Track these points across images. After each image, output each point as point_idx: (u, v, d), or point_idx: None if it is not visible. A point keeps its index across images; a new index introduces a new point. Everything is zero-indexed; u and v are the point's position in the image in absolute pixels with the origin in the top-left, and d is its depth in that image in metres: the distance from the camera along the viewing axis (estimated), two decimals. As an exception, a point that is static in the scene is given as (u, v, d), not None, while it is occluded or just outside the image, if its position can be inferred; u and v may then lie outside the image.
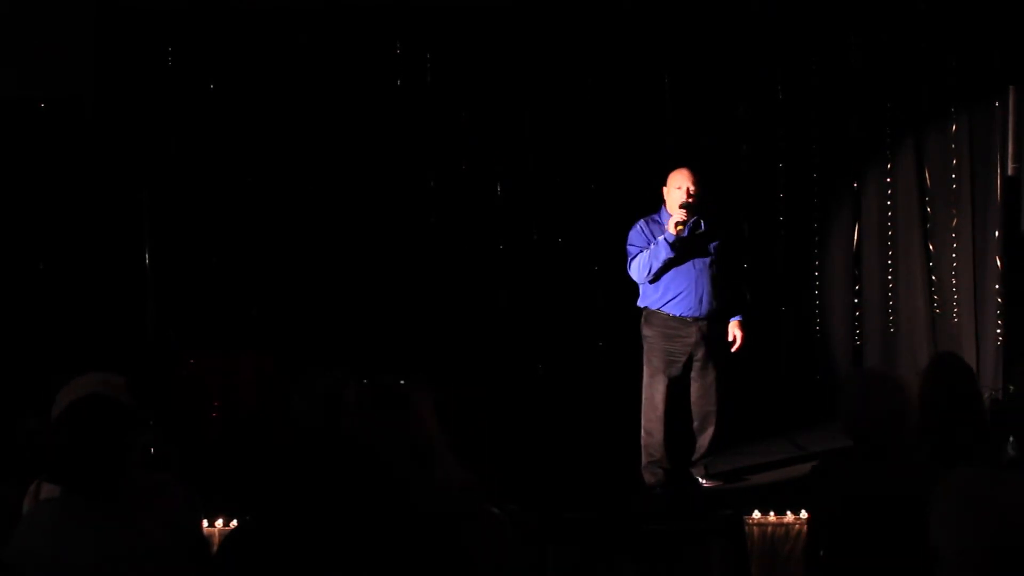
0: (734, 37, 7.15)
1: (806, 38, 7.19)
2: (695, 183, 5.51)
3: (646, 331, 5.69)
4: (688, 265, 5.57)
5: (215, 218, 7.09)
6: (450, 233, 7.24)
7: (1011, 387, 5.83)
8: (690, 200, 5.49)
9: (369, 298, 7.13)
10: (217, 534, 4.87)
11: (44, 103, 6.86)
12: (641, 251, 5.58)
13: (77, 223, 6.86)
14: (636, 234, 5.65)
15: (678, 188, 5.53)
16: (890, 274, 7.34)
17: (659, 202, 5.69)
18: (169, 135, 7.06)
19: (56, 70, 6.79)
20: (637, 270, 5.59)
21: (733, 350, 5.75)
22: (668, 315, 5.61)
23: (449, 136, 7.24)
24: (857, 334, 7.42)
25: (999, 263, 7.07)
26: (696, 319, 5.60)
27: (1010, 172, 6.97)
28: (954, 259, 7.23)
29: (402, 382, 2.41)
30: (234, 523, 4.90)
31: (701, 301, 5.59)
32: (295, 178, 7.14)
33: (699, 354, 5.65)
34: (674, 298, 5.59)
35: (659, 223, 5.62)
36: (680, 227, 5.47)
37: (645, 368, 5.70)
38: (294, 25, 7.09)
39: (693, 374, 5.69)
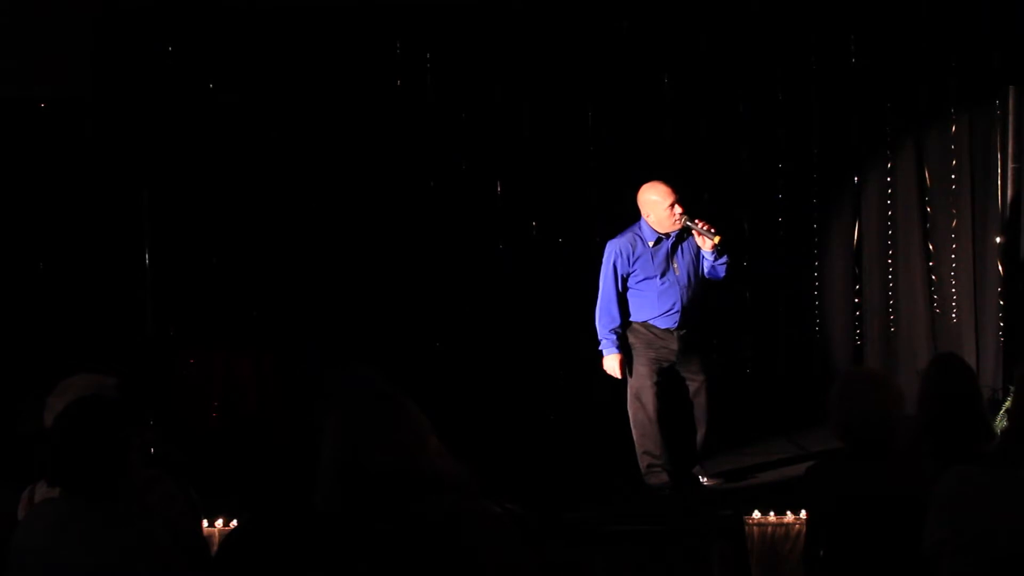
0: (734, 37, 7.14)
1: (806, 38, 7.18)
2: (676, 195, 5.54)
3: (629, 340, 5.68)
4: (677, 280, 5.59)
5: (215, 218, 7.09)
6: (450, 233, 7.23)
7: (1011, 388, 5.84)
8: (684, 215, 5.50)
9: (369, 298, 7.12)
10: (217, 534, 4.88)
11: (44, 103, 6.86)
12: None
13: (77, 222, 6.87)
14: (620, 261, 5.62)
15: (670, 206, 5.51)
16: (890, 274, 7.33)
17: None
18: (169, 135, 7.05)
19: (56, 70, 6.79)
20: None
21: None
22: (650, 325, 5.62)
23: (449, 136, 7.24)
24: (857, 334, 7.41)
25: (999, 263, 7.07)
26: (678, 329, 5.61)
27: (1010, 172, 6.96)
28: (954, 259, 7.22)
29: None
30: (234, 523, 4.91)
31: (686, 313, 5.61)
32: (295, 178, 7.13)
33: (682, 360, 5.66)
34: (663, 313, 5.61)
35: (641, 237, 5.61)
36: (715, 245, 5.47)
37: (632, 375, 5.67)
38: (294, 25, 7.09)
39: (685, 374, 5.70)
